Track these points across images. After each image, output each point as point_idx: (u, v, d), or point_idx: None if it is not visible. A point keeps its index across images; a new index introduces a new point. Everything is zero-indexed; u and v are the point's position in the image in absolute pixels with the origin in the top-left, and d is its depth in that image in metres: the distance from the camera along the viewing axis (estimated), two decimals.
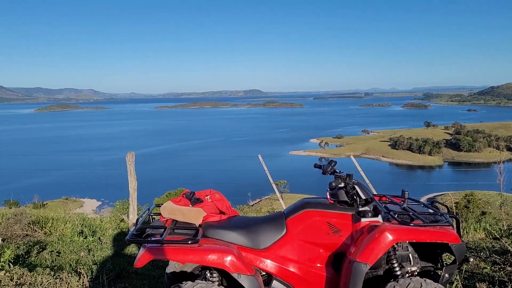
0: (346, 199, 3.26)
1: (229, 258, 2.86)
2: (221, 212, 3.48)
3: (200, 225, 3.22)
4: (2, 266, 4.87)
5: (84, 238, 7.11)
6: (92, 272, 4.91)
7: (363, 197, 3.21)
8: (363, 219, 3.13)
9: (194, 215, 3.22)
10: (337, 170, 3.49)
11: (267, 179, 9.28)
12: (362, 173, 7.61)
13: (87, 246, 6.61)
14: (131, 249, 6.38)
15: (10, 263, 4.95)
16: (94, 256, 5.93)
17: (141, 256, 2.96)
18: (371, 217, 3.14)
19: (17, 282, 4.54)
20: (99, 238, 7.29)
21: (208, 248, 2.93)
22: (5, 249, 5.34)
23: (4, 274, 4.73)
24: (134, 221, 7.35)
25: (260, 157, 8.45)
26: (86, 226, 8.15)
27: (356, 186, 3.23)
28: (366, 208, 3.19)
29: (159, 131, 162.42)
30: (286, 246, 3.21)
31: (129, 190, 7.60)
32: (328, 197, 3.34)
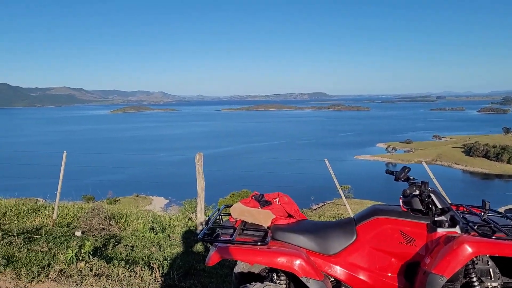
0: (420, 207, 3.13)
1: (298, 262, 2.86)
2: (289, 215, 3.48)
3: (268, 227, 3.25)
4: (82, 257, 5.24)
5: (155, 234, 7.43)
6: (163, 267, 5.12)
7: (439, 206, 3.06)
8: (439, 229, 2.99)
9: (263, 217, 3.25)
10: (410, 177, 3.36)
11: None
12: (435, 180, 7.24)
13: (158, 242, 6.90)
14: (199, 247, 6.56)
15: (89, 255, 5.30)
16: (164, 252, 6.18)
17: (212, 255, 3.04)
18: (448, 227, 2.99)
19: (96, 272, 4.86)
20: (168, 235, 7.58)
21: (278, 251, 2.94)
22: (85, 241, 5.74)
23: (84, 264, 5.08)
24: (202, 220, 7.57)
25: (326, 161, 8.33)
26: (156, 223, 8.53)
27: (431, 194, 3.09)
28: (443, 217, 3.03)
29: (224, 132, 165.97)
30: (356, 253, 3.14)
31: (197, 190, 7.83)
32: (401, 204, 3.22)
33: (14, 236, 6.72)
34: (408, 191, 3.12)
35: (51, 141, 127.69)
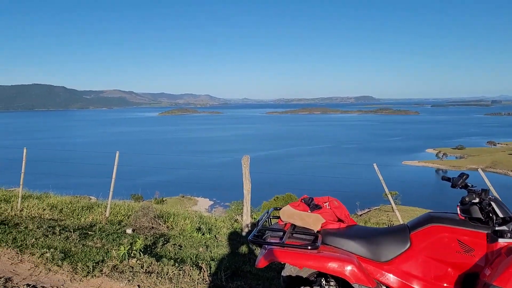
0: (480, 216, 2.98)
1: (349, 268, 2.80)
2: (339, 220, 3.42)
3: (318, 232, 3.21)
4: (134, 254, 5.41)
5: (202, 235, 7.55)
6: (210, 267, 5.19)
7: (500, 215, 2.90)
8: (500, 240, 2.83)
9: (313, 221, 3.22)
10: (469, 184, 3.21)
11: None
12: (492, 188, 6.89)
13: (205, 242, 7.01)
14: (245, 248, 6.60)
15: (140, 252, 5.47)
16: (211, 253, 6.27)
17: (262, 257, 3.04)
18: (510, 238, 2.83)
19: (147, 270, 5.00)
20: (215, 236, 7.68)
21: (328, 256, 2.90)
22: (136, 239, 5.92)
23: (136, 261, 5.25)
24: (248, 222, 7.61)
25: (375, 166, 8.14)
26: (203, 224, 8.67)
27: (492, 203, 2.94)
28: (505, 227, 2.88)
29: (269, 135, 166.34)
30: (409, 261, 3.03)
31: (244, 192, 7.89)
32: (459, 212, 3.08)
33: (70, 231, 7.06)
34: (467, 199, 2.98)
35: (103, 142, 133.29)
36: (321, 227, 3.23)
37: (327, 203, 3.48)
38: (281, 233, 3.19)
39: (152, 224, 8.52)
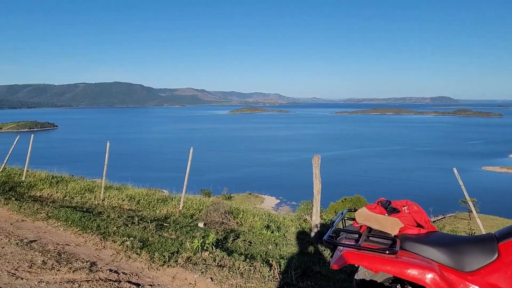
0: None
1: (430, 276, 2.68)
2: (419, 225, 3.28)
3: (396, 236, 3.10)
4: (206, 247, 5.58)
5: (271, 233, 7.61)
6: (280, 265, 5.21)
7: None
8: None
9: (391, 225, 3.12)
10: None
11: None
12: None
13: (274, 240, 7.06)
14: (314, 248, 6.55)
15: (213, 246, 5.63)
16: (280, 251, 6.30)
17: (338, 258, 3.00)
18: None
19: (219, 263, 5.14)
20: (283, 234, 7.70)
21: (408, 262, 2.79)
22: (209, 233, 6.11)
23: (208, 254, 5.41)
24: (317, 222, 7.54)
25: (455, 171, 7.70)
26: (271, 221, 8.73)
27: None
28: None
29: (338, 136, 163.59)
30: (497, 273, 2.83)
31: (314, 192, 7.82)
32: None
33: (147, 222, 7.46)
34: None
35: (176, 138, 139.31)
36: (399, 231, 3.12)
37: (405, 207, 3.35)
38: (357, 235, 3.13)
39: (222, 219, 8.73)
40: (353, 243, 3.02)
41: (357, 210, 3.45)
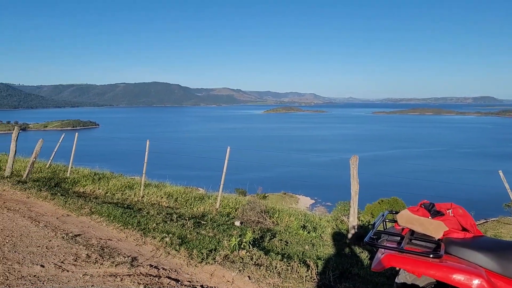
0: None
1: (477, 282, 2.58)
2: (464, 229, 3.18)
3: (440, 240, 3.02)
4: (244, 245, 5.62)
5: (307, 233, 7.57)
6: (317, 266, 5.18)
7: None
8: None
9: (435, 228, 3.04)
10: None
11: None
12: None
13: (311, 240, 7.02)
14: (352, 250, 6.47)
15: (250, 244, 5.67)
16: (317, 251, 6.26)
17: (379, 261, 2.95)
18: None
19: (256, 262, 5.17)
20: (320, 235, 7.65)
21: (454, 266, 2.70)
22: (246, 232, 6.15)
23: (245, 253, 5.45)
24: (355, 223, 7.44)
25: (501, 173, 7.41)
26: (307, 222, 8.69)
27: None
28: None
29: (374, 136, 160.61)
30: None
31: (351, 193, 7.72)
32: None
33: (185, 219, 7.59)
34: None
35: (212, 137, 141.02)
36: (443, 235, 3.03)
37: (450, 210, 3.25)
38: (399, 238, 3.07)
39: (258, 218, 8.77)
40: (395, 246, 2.96)
41: (398, 212, 3.38)
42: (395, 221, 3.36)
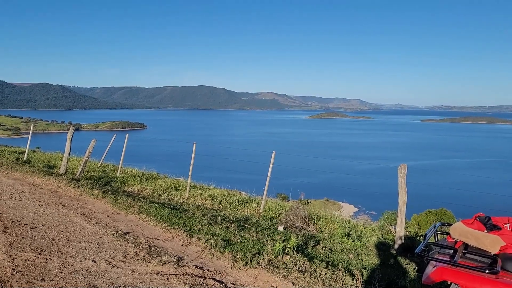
0: None
1: None
2: None
3: (496, 255, 2.89)
4: (287, 251, 5.61)
5: (352, 241, 7.45)
6: (362, 275, 5.08)
7: None
8: None
9: (490, 243, 2.91)
10: None
11: None
12: None
13: (356, 249, 6.90)
14: (398, 261, 6.30)
15: (294, 250, 5.65)
16: (362, 261, 6.15)
17: (432, 273, 2.86)
18: None
19: (300, 268, 5.14)
20: (365, 244, 7.50)
21: (510, 283, 2.58)
22: (290, 237, 6.14)
23: (289, 258, 5.44)
24: (402, 234, 7.24)
25: None
26: (352, 230, 8.55)
27: None
28: None
29: (422, 145, 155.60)
30: None
31: (399, 202, 7.52)
32: None
33: (230, 222, 7.68)
34: None
35: (256, 141, 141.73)
36: (500, 250, 2.90)
37: (508, 225, 3.11)
38: (451, 251, 2.97)
39: (302, 224, 8.73)
40: (448, 259, 2.87)
41: (450, 224, 3.27)
42: (448, 234, 3.26)
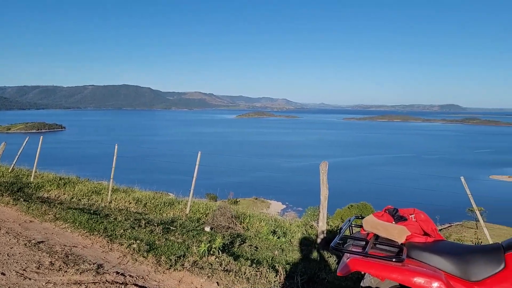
0: None
1: (436, 284, 2.67)
2: (426, 234, 3.28)
3: (403, 244, 3.10)
4: (213, 251, 5.60)
5: (277, 238, 7.61)
6: (286, 271, 5.21)
7: None
8: None
9: (398, 233, 3.11)
10: None
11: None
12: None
13: (280, 246, 7.05)
14: (320, 255, 6.54)
15: (219, 250, 5.65)
16: (286, 256, 6.30)
17: (344, 265, 3.00)
18: None
19: (225, 268, 5.15)
20: (290, 240, 7.70)
21: (414, 270, 2.78)
22: (216, 237, 6.12)
23: (215, 259, 5.43)
24: (324, 228, 7.53)
25: (463, 179, 7.66)
26: (277, 227, 8.73)
27: None
28: None
29: (345, 142, 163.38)
30: (503, 284, 2.81)
31: (321, 198, 7.81)
32: None
33: (154, 225, 7.49)
34: None
35: (183, 141, 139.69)
36: (406, 239, 3.11)
37: (413, 215, 3.35)
38: (363, 243, 3.12)
39: (229, 223, 8.75)
40: (360, 250, 3.02)
41: (364, 217, 3.45)
42: (361, 226, 3.43)
